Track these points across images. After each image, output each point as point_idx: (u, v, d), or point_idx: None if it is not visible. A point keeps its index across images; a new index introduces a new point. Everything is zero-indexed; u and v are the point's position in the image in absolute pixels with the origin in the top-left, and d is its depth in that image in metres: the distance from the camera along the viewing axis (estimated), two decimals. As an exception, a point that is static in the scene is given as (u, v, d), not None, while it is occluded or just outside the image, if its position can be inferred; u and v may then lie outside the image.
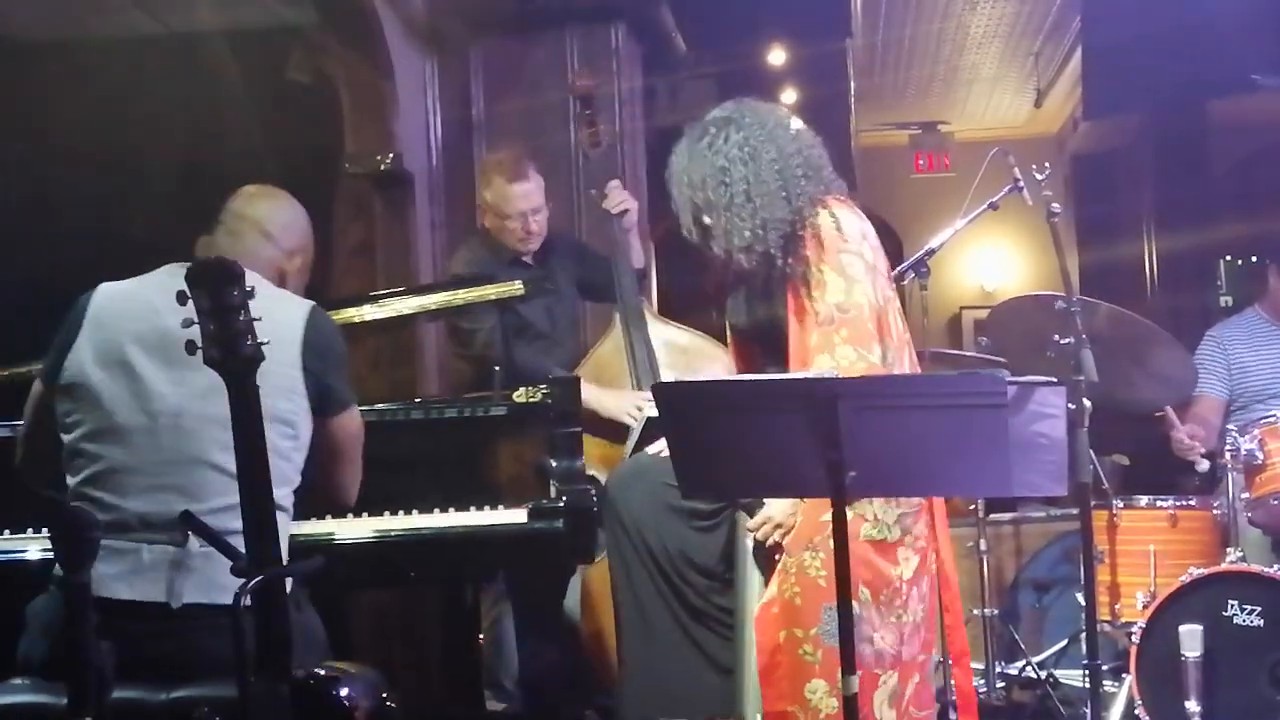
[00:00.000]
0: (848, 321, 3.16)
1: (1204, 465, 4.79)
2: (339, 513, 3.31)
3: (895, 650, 3.19)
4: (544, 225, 4.63)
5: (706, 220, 3.33)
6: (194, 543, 2.63)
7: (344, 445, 2.98)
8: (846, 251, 3.22)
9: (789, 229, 3.26)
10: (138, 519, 2.66)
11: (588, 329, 5.18)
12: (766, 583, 3.30)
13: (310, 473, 2.91)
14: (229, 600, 2.26)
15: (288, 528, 2.80)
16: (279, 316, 2.77)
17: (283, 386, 2.74)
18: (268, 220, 3.04)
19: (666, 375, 4.39)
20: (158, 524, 2.66)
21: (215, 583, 2.53)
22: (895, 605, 3.19)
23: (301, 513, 3.07)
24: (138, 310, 2.79)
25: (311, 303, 2.96)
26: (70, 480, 2.75)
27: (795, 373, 3.21)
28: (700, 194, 3.32)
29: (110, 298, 2.84)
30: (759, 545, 3.33)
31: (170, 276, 2.82)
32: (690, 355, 4.37)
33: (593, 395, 4.30)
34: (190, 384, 2.71)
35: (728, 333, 3.65)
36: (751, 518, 3.30)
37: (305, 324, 2.85)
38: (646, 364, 4.41)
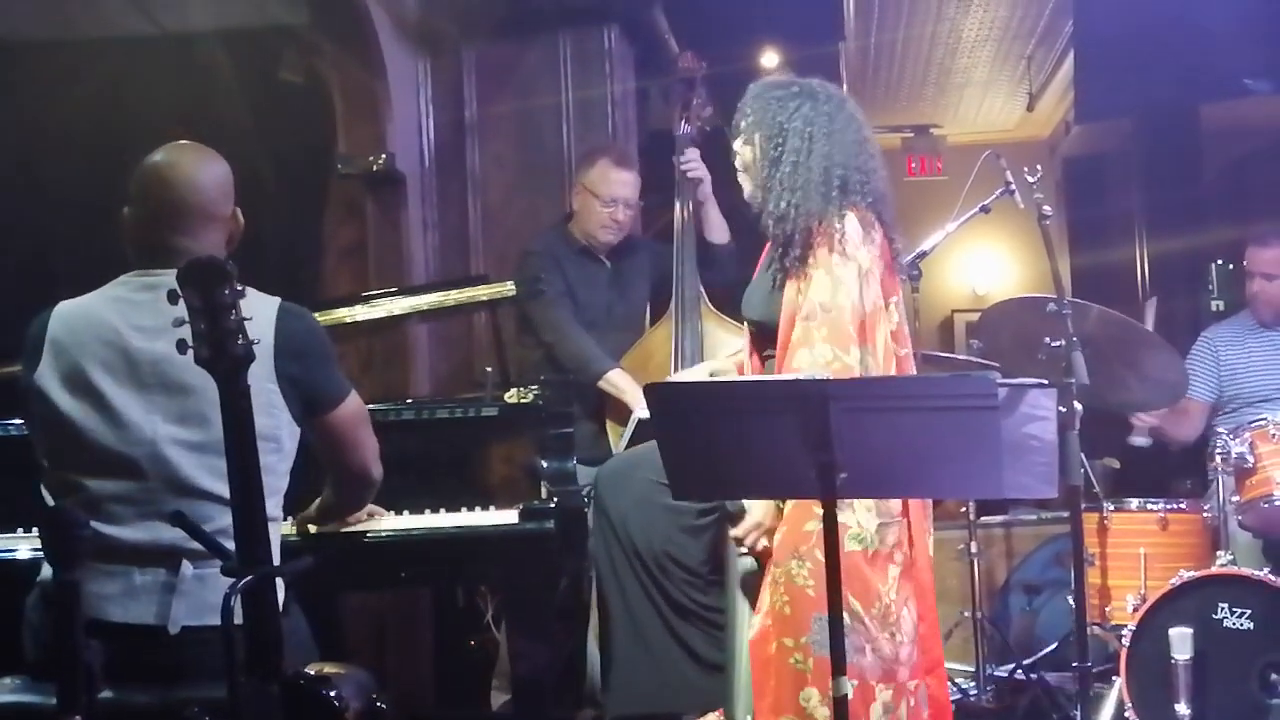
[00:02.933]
0: (829, 321, 3.19)
1: (1143, 441, 4.89)
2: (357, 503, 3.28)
3: (890, 667, 3.19)
4: (629, 224, 4.74)
5: (745, 155, 3.46)
6: (186, 567, 2.60)
7: (352, 433, 2.90)
8: (841, 254, 3.25)
9: (810, 225, 3.31)
10: (129, 547, 2.61)
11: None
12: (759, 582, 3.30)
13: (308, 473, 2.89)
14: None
15: (278, 535, 2.76)
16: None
17: (261, 403, 2.56)
18: (205, 191, 2.77)
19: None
20: (150, 551, 2.61)
21: (209, 604, 2.48)
22: (889, 621, 3.18)
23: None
24: (99, 333, 2.68)
25: (277, 300, 2.77)
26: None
27: (785, 374, 3.22)
28: (754, 130, 3.44)
29: (67, 320, 2.71)
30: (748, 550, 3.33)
31: (128, 290, 2.73)
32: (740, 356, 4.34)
33: (624, 383, 4.37)
34: (164, 409, 2.64)
35: (745, 325, 3.66)
36: (734, 525, 3.30)
37: (275, 329, 2.70)
38: (692, 357, 4.41)
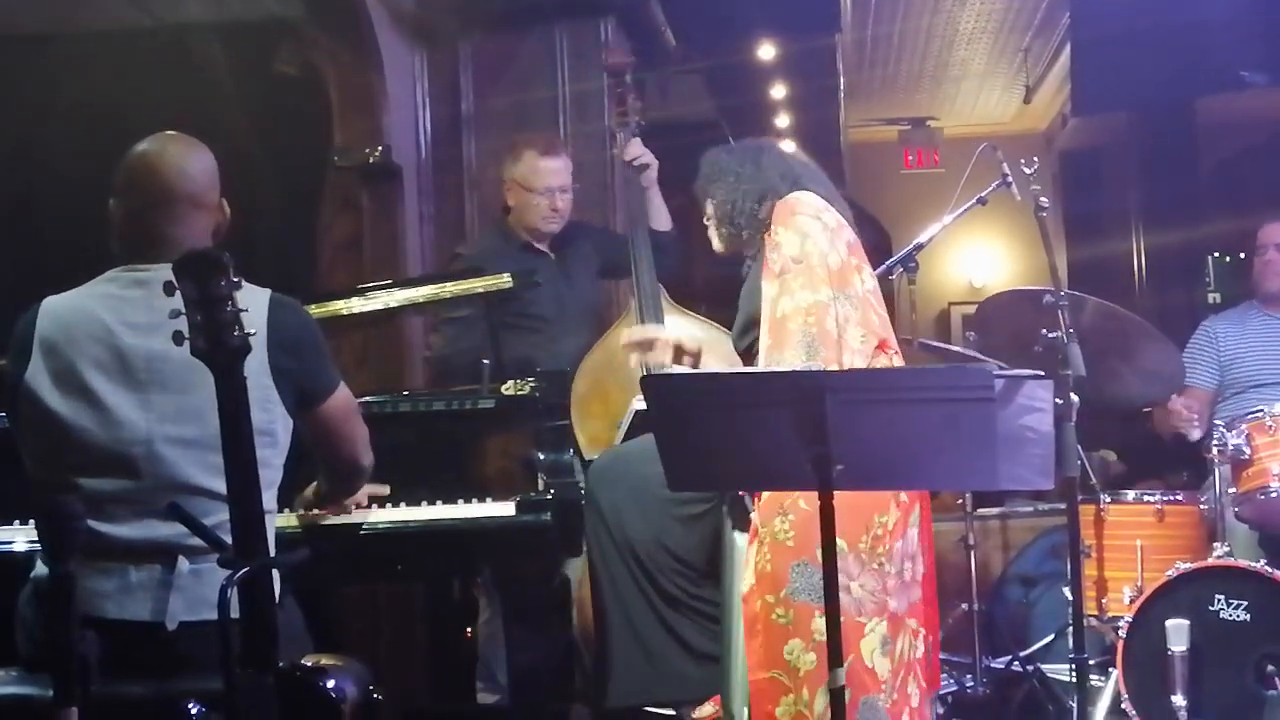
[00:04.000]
0: (802, 270, 3.35)
1: (1195, 434, 4.84)
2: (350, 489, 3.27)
3: (879, 598, 3.21)
4: (568, 208, 4.68)
5: (709, 206, 3.69)
6: (183, 563, 2.59)
7: (343, 424, 2.90)
8: (803, 214, 3.44)
9: (769, 204, 3.54)
10: (125, 545, 2.59)
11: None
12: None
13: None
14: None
15: (273, 528, 2.76)
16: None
17: (256, 398, 2.52)
18: (193, 179, 2.76)
19: (676, 366, 4.37)
20: (146, 548, 2.60)
21: (206, 599, 2.48)
22: (877, 552, 3.22)
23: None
24: (91, 330, 2.65)
25: (268, 291, 2.74)
26: None
27: (775, 365, 3.26)
28: (708, 181, 3.70)
29: (57, 318, 2.68)
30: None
31: (118, 287, 2.71)
32: (705, 347, 4.32)
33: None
34: (158, 407, 2.63)
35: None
36: (737, 521, 3.32)
37: (267, 322, 2.68)
38: None
